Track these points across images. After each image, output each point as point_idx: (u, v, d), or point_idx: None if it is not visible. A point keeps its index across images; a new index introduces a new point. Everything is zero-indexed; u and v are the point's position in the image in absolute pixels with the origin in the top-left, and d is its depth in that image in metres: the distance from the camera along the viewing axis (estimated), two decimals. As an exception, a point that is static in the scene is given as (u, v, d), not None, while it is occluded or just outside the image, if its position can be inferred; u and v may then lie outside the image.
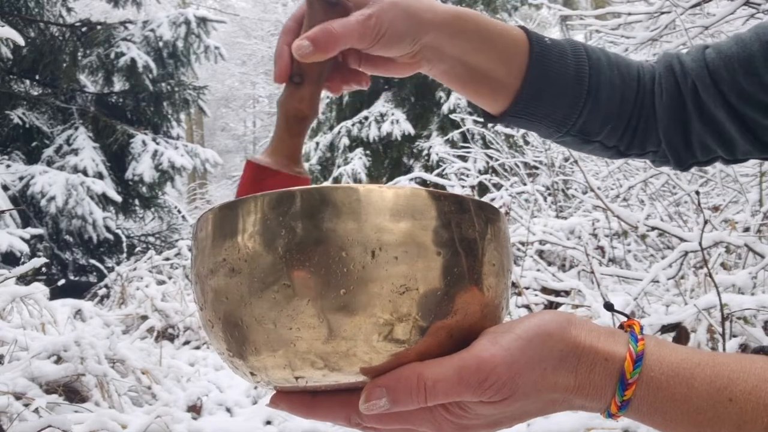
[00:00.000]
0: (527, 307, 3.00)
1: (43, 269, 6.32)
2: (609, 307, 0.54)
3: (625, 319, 0.48)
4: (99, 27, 7.47)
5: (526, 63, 0.63)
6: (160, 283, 4.81)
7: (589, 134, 0.69)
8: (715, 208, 3.39)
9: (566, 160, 5.13)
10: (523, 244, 3.40)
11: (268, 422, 2.50)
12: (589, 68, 0.66)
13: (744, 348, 2.16)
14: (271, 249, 0.43)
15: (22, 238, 4.55)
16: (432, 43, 0.59)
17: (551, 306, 3.07)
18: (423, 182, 7.40)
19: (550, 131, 0.69)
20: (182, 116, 8.52)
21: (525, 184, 5.08)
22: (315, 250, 0.42)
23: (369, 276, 0.42)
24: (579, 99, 0.66)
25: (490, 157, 5.72)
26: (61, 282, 4.42)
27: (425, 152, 10.16)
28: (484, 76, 0.63)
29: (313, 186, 0.44)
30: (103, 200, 6.70)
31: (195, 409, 2.66)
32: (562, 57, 0.65)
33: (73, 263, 7.22)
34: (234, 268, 0.44)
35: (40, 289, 3.03)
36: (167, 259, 5.30)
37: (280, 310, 0.43)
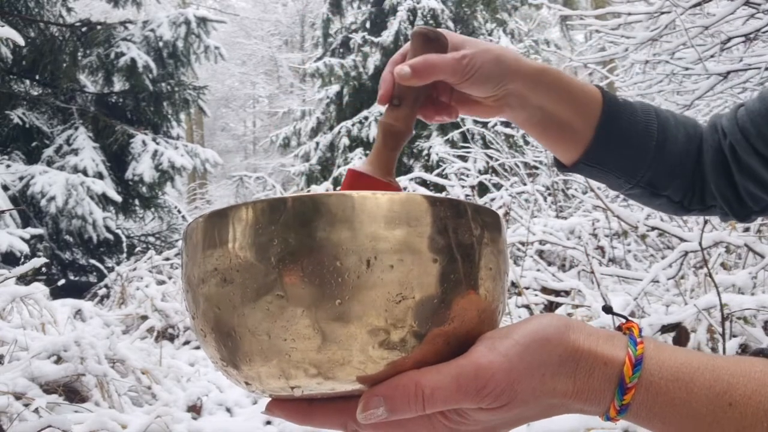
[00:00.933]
0: (527, 307, 3.00)
1: (43, 269, 6.32)
2: (608, 310, 0.54)
3: (624, 320, 0.48)
4: (99, 27, 7.47)
5: (599, 115, 0.70)
6: (160, 283, 4.81)
7: (657, 187, 0.74)
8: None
9: (566, 160, 5.13)
10: (523, 244, 3.40)
11: (268, 422, 2.50)
12: (657, 124, 0.73)
13: (744, 348, 2.16)
14: (264, 258, 0.42)
15: (22, 238, 4.55)
16: (517, 91, 0.67)
17: (551, 306, 3.07)
18: (423, 182, 7.40)
19: (620, 182, 0.74)
20: (182, 116, 8.52)
21: (525, 184, 5.08)
22: (309, 260, 0.41)
23: (364, 285, 0.41)
24: (647, 151, 0.72)
25: (490, 157, 5.73)
26: (61, 282, 4.42)
27: (425, 152, 10.16)
28: (562, 124, 0.70)
29: (306, 193, 0.43)
30: (103, 200, 6.70)
31: (195, 409, 2.66)
32: (632, 113, 0.72)
33: (73, 263, 7.22)
34: (226, 278, 0.43)
35: (40, 289, 3.03)
36: (167, 259, 5.30)
37: (273, 321, 0.42)
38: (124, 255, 7.11)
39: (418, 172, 7.55)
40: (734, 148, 0.72)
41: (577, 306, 2.89)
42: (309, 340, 0.42)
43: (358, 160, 10.39)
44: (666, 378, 0.43)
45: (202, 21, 7.80)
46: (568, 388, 0.44)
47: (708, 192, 0.75)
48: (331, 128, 11.51)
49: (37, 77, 7.46)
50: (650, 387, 0.43)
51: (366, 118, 10.88)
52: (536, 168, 5.33)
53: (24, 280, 4.04)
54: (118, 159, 7.33)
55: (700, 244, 2.16)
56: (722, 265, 3.01)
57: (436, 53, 0.63)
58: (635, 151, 0.72)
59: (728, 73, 2.86)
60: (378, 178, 0.62)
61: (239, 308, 0.43)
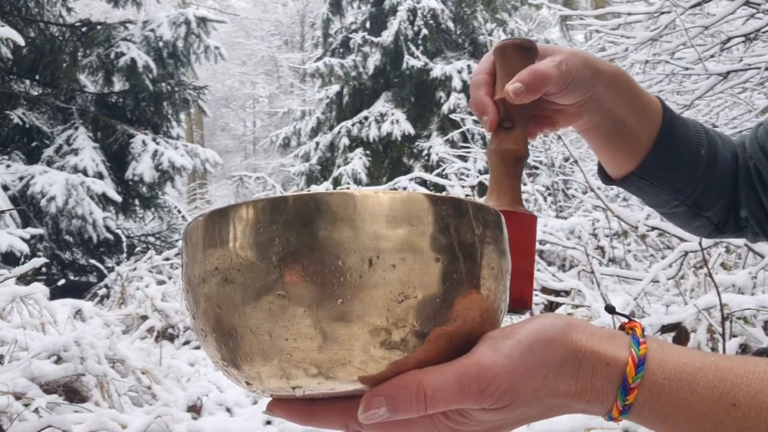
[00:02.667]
0: (527, 307, 3.00)
1: (43, 269, 6.32)
2: (610, 309, 0.54)
3: (627, 320, 0.48)
4: (99, 27, 7.47)
5: (660, 126, 0.68)
6: (160, 283, 4.81)
7: (702, 208, 0.73)
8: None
9: (566, 160, 5.14)
10: (523, 244, 3.40)
11: (268, 422, 2.50)
12: (707, 142, 0.71)
13: (744, 348, 2.16)
14: (265, 258, 0.41)
15: (22, 238, 4.55)
16: (598, 95, 0.64)
17: (551, 306, 3.07)
18: (423, 182, 7.39)
19: (668, 198, 0.72)
20: (182, 116, 8.53)
21: (525, 184, 5.08)
22: (310, 259, 0.41)
23: (366, 285, 0.41)
24: (698, 169, 0.70)
25: (490, 157, 5.71)
26: (61, 282, 4.42)
27: (425, 152, 10.16)
28: (628, 133, 0.67)
29: (307, 192, 0.43)
30: (103, 200, 6.70)
31: (195, 409, 2.66)
32: (686, 128, 0.70)
33: (73, 263, 7.22)
34: (227, 278, 0.43)
35: (40, 289, 3.03)
36: (167, 259, 5.30)
37: (275, 320, 0.42)
38: (124, 255, 7.11)
39: (418, 172, 7.55)
40: (757, 167, 0.71)
41: (577, 306, 2.89)
42: (310, 340, 0.41)
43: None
44: (669, 378, 0.43)
45: (202, 21, 7.80)
46: (570, 389, 0.44)
47: (741, 212, 0.74)
48: (331, 128, 11.51)
49: (37, 77, 7.46)
50: (653, 387, 0.43)
51: (366, 118, 10.88)
52: (536, 168, 5.33)
53: (24, 280, 4.04)
54: (118, 159, 7.33)
55: (700, 244, 2.16)
56: (722, 265, 3.01)
57: (530, 62, 0.60)
58: (687, 168, 0.70)
59: (728, 73, 2.86)
60: (514, 210, 0.58)
61: (240, 308, 0.42)
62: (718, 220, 0.74)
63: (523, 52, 0.60)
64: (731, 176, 0.73)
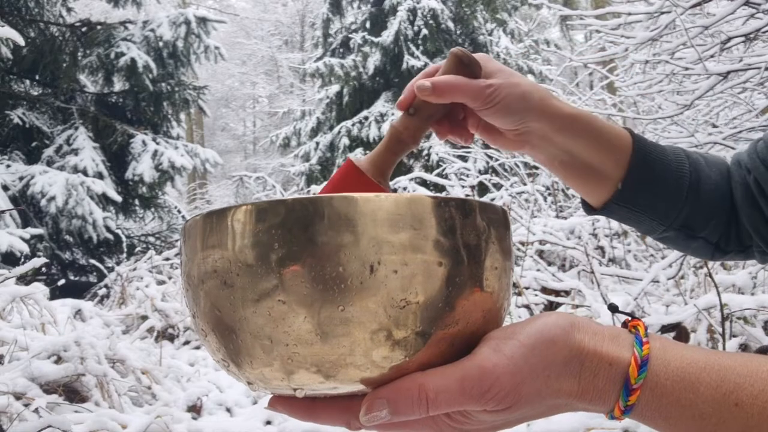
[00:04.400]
0: (527, 307, 3.00)
1: (43, 269, 6.31)
2: (613, 308, 0.54)
3: (630, 318, 0.47)
4: (99, 27, 7.47)
5: (630, 155, 0.68)
6: (160, 283, 4.81)
7: (693, 229, 0.72)
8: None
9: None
10: (523, 244, 3.40)
11: (268, 422, 2.50)
12: (688, 164, 0.71)
13: (744, 348, 2.16)
14: (265, 263, 0.41)
15: (22, 238, 4.54)
16: (540, 131, 0.66)
17: (551, 306, 3.07)
18: (423, 182, 7.39)
19: (654, 224, 0.72)
20: (182, 116, 8.52)
21: (525, 184, 5.08)
22: (310, 265, 0.40)
23: (367, 291, 0.40)
24: (681, 191, 0.70)
25: (490, 157, 5.73)
26: (61, 282, 4.42)
27: (425, 152, 10.16)
28: (590, 167, 0.68)
29: (308, 195, 0.42)
30: (103, 200, 6.70)
31: (195, 409, 2.66)
32: (662, 153, 0.70)
33: (73, 263, 7.22)
34: (226, 281, 0.42)
35: (40, 289, 3.03)
36: (167, 259, 5.30)
37: (275, 325, 0.41)
38: (124, 255, 7.10)
39: (418, 172, 7.54)
40: (758, 182, 0.70)
41: (577, 306, 2.89)
42: (311, 345, 0.41)
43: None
44: (672, 378, 0.43)
45: (202, 21, 7.80)
46: (572, 389, 0.44)
47: (743, 231, 0.73)
48: (331, 128, 11.51)
49: (37, 77, 7.46)
50: (656, 388, 0.43)
51: (366, 118, 10.88)
52: (536, 168, 5.33)
53: (24, 280, 4.04)
54: (118, 159, 7.33)
55: (701, 244, 2.16)
56: (722, 265, 3.01)
57: (465, 77, 0.63)
58: (668, 191, 0.70)
59: (728, 73, 2.86)
60: (370, 179, 0.62)
61: (240, 311, 0.42)
62: (716, 240, 0.73)
63: (459, 63, 0.64)
64: (721, 196, 0.72)
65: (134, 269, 5.06)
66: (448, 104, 0.65)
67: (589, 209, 0.74)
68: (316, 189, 8.80)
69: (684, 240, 0.73)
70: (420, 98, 0.63)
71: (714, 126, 3.80)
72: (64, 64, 7.20)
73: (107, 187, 6.65)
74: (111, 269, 6.17)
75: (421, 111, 0.64)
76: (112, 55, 7.29)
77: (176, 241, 7.69)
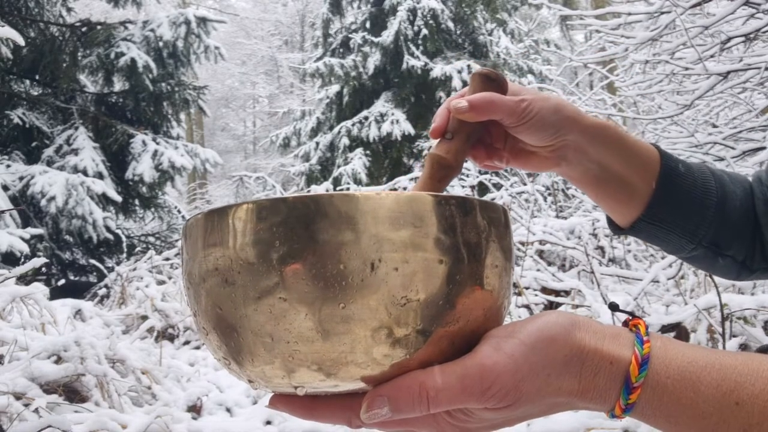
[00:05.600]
0: (527, 306, 3.00)
1: (43, 269, 6.32)
2: (614, 307, 0.54)
3: (631, 317, 0.48)
4: (99, 27, 7.46)
5: (658, 171, 0.68)
6: (160, 283, 4.81)
7: (721, 247, 0.71)
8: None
9: (566, 160, 5.13)
10: (523, 244, 3.40)
11: (268, 422, 2.50)
12: (714, 181, 0.70)
13: (744, 348, 2.16)
14: (266, 261, 0.41)
15: (22, 238, 4.54)
16: (575, 143, 0.65)
17: (551, 306, 3.07)
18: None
19: (683, 242, 0.70)
20: (182, 116, 8.52)
21: (525, 184, 5.08)
22: (311, 263, 0.40)
23: (368, 288, 0.40)
24: (708, 208, 0.69)
25: (490, 157, 5.71)
26: (61, 282, 4.42)
27: (425, 152, 10.15)
28: (620, 181, 0.67)
29: (308, 194, 0.42)
30: (103, 200, 6.70)
31: (195, 409, 2.66)
32: (688, 168, 0.70)
33: (73, 263, 7.22)
34: (227, 279, 0.42)
35: (40, 289, 3.03)
36: (167, 259, 5.30)
37: (276, 323, 0.41)
38: (124, 255, 7.11)
39: (418, 172, 7.54)
40: None
41: (577, 306, 2.89)
42: (312, 343, 0.41)
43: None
44: (672, 377, 0.43)
45: (202, 21, 7.80)
46: (573, 387, 0.44)
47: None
48: (331, 128, 11.51)
49: (37, 77, 7.46)
50: (656, 386, 0.43)
51: (366, 118, 10.88)
52: (536, 168, 5.33)
53: (24, 280, 4.04)
54: (118, 159, 7.33)
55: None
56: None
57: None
58: (697, 208, 0.69)
59: (728, 73, 2.86)
60: None
61: (241, 309, 0.42)
62: (743, 258, 0.72)
63: (486, 81, 0.63)
64: (746, 212, 0.71)
65: (134, 269, 5.06)
66: (485, 124, 0.63)
67: (617, 229, 0.73)
68: (316, 189, 8.81)
69: (712, 258, 0.72)
70: (455, 121, 0.62)
71: (714, 126, 3.80)
72: (64, 64, 7.20)
73: (107, 187, 6.65)
74: (111, 269, 6.17)
75: (459, 133, 0.62)
76: (112, 55, 7.29)
77: (176, 241, 7.69)
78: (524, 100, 0.62)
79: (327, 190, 9.11)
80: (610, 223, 0.74)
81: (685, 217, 0.69)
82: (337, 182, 10.11)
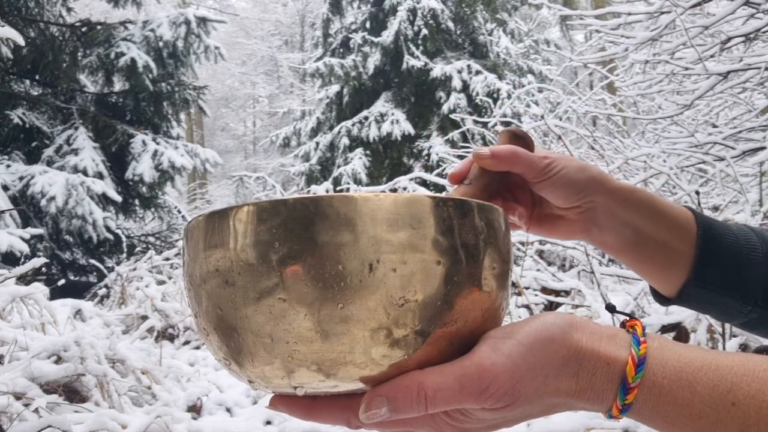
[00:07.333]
0: (527, 307, 3.00)
1: (43, 269, 6.32)
2: (611, 308, 0.54)
3: (628, 318, 0.48)
4: (99, 27, 7.47)
5: (695, 230, 0.64)
6: (160, 283, 4.81)
7: None
8: (715, 208, 3.38)
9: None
10: (523, 244, 3.40)
11: (268, 422, 2.50)
12: (754, 235, 0.66)
13: (744, 348, 2.16)
14: (265, 261, 0.41)
15: (22, 238, 4.55)
16: (604, 206, 0.63)
17: (551, 306, 3.07)
18: (423, 182, 7.39)
19: (737, 305, 0.65)
20: (182, 116, 8.52)
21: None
22: (311, 264, 0.40)
23: (366, 289, 0.41)
24: (756, 264, 0.64)
25: (490, 157, 5.71)
26: (61, 282, 4.42)
27: (425, 152, 10.16)
28: (658, 243, 0.64)
29: (308, 195, 0.42)
30: (103, 200, 6.70)
31: (195, 409, 2.66)
32: (726, 226, 0.66)
33: (73, 263, 7.22)
34: (227, 280, 0.43)
35: (40, 289, 3.03)
36: (167, 259, 5.30)
37: (276, 323, 0.42)
38: (124, 255, 7.10)
39: (418, 172, 7.54)
40: None
41: (577, 306, 2.89)
42: (311, 343, 0.42)
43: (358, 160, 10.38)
44: (669, 378, 0.43)
45: (202, 21, 7.80)
46: (570, 388, 0.44)
47: None
48: (331, 128, 11.51)
49: (37, 77, 7.46)
50: (653, 387, 0.43)
51: (366, 118, 10.88)
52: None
53: (24, 280, 4.04)
54: (118, 159, 7.33)
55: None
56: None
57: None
58: (744, 265, 0.64)
59: (728, 73, 2.86)
60: None
61: (241, 310, 0.43)
62: None
63: (513, 137, 0.64)
64: None
65: (134, 269, 5.06)
66: (504, 177, 0.63)
67: (663, 299, 0.69)
68: (316, 189, 8.81)
69: None
70: (476, 168, 0.62)
71: (714, 126, 3.80)
72: (64, 64, 7.20)
73: (107, 187, 6.65)
74: (111, 269, 6.17)
75: (478, 180, 0.63)
76: (112, 55, 7.29)
77: (176, 241, 7.69)
78: (548, 156, 0.62)
79: (327, 191, 9.11)
80: (655, 293, 0.70)
81: (735, 276, 0.64)
82: (337, 182, 10.12)
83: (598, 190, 0.63)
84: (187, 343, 3.88)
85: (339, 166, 10.68)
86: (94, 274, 7.06)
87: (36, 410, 2.03)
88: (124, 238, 7.20)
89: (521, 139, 0.64)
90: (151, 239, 8.09)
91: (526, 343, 0.44)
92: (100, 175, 6.81)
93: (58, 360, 2.45)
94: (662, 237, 0.64)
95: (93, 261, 6.87)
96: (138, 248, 7.59)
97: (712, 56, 2.98)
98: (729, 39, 2.82)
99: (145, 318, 3.86)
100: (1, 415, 1.92)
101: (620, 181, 0.64)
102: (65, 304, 3.64)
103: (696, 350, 0.45)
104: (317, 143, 11.51)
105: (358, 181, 10.05)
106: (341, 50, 11.89)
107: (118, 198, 6.80)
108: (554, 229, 0.67)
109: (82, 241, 6.74)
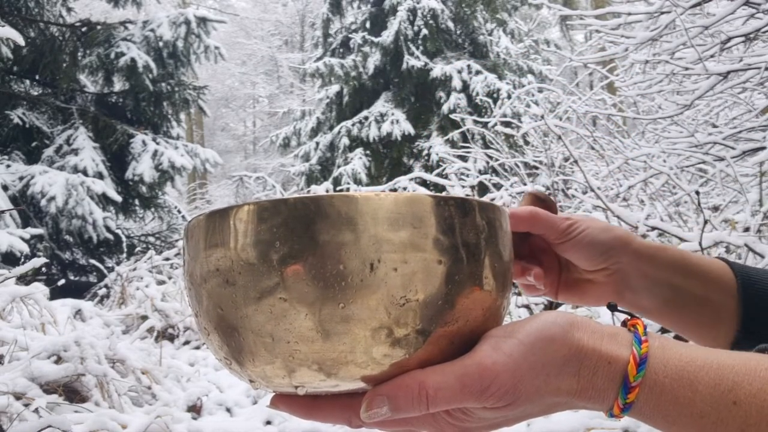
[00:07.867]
0: (527, 306, 3.00)
1: (43, 269, 6.32)
2: (612, 307, 0.54)
3: (629, 317, 0.48)
4: (99, 27, 7.47)
5: (735, 281, 0.61)
6: (160, 283, 4.81)
7: None
8: (715, 208, 3.38)
9: (566, 160, 5.13)
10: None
11: (268, 422, 2.50)
12: None
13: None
14: (266, 261, 0.41)
15: (22, 238, 4.55)
16: (634, 267, 0.61)
17: (551, 306, 3.07)
18: (423, 182, 7.39)
19: None
20: (182, 116, 8.53)
21: (525, 184, 5.08)
22: (311, 263, 0.40)
23: (367, 289, 0.41)
24: None
25: (490, 157, 5.72)
26: (61, 282, 4.42)
27: (425, 152, 10.16)
28: (699, 300, 0.61)
29: (308, 195, 0.42)
30: (103, 200, 6.70)
31: (195, 409, 2.66)
32: (762, 271, 0.63)
33: (73, 263, 7.22)
34: (228, 279, 0.43)
35: (40, 289, 3.03)
36: (167, 259, 5.30)
37: (276, 323, 0.42)
38: (124, 255, 7.10)
39: (418, 172, 7.55)
40: None
41: (577, 306, 2.89)
42: (312, 342, 0.42)
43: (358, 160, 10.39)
44: (670, 377, 0.43)
45: (202, 21, 7.80)
46: (571, 387, 0.44)
47: None
48: (331, 128, 11.51)
49: (37, 77, 7.46)
50: (654, 386, 0.43)
51: (366, 118, 10.88)
52: (536, 168, 5.33)
53: (24, 280, 4.04)
54: (118, 159, 7.33)
55: (700, 244, 2.16)
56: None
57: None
58: None
59: (728, 73, 2.86)
60: None
61: (242, 309, 0.43)
62: None
63: (536, 200, 0.65)
64: None
65: (134, 269, 5.06)
66: (526, 239, 0.63)
67: None
68: (316, 189, 8.81)
69: None
70: None
71: (714, 126, 3.80)
72: (64, 64, 7.20)
73: (107, 187, 6.65)
74: (111, 269, 6.17)
75: None
76: (112, 55, 7.29)
77: (176, 241, 7.69)
78: (570, 218, 0.61)
79: (327, 190, 9.11)
80: None
81: None
82: (337, 182, 10.12)
83: (623, 250, 0.61)
84: (187, 343, 3.88)
85: (339, 166, 10.68)
86: (94, 274, 7.06)
87: (36, 410, 2.03)
88: (124, 238, 7.20)
89: (543, 201, 0.64)
90: (151, 239, 8.09)
91: (527, 342, 0.44)
92: (100, 175, 6.81)
93: (58, 360, 2.45)
94: (701, 292, 0.61)
95: (93, 261, 6.88)
96: (138, 248, 7.59)
97: (712, 56, 2.98)
98: (729, 39, 2.82)
99: (145, 318, 3.86)
100: (1, 415, 1.92)
101: (647, 240, 0.62)
102: (65, 304, 3.64)
103: (697, 349, 0.45)
104: (317, 143, 11.51)
105: (358, 181, 10.05)
106: (341, 50, 11.89)
107: (118, 198, 6.80)
108: (585, 294, 0.65)
109: (82, 241, 6.74)
